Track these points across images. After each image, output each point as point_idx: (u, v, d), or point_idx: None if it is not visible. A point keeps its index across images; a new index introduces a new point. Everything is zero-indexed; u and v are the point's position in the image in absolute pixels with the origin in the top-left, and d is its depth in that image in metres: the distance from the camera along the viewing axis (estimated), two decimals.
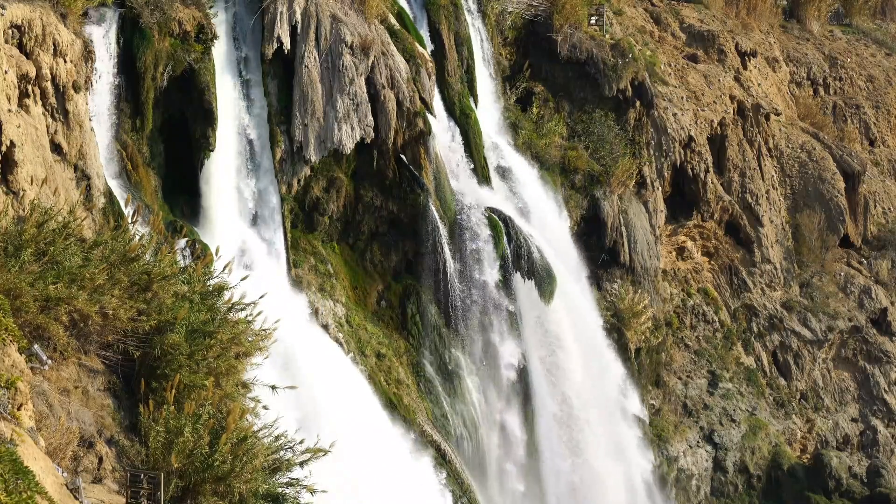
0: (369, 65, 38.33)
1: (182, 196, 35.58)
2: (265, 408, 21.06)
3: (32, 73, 28.49)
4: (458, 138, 43.25)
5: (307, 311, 37.13)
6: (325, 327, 37.51)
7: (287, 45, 37.12)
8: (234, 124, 36.68)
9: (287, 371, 30.46)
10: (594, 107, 49.34)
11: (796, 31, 66.45)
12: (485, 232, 40.75)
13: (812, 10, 66.88)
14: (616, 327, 47.09)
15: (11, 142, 26.30)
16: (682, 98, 53.53)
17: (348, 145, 37.87)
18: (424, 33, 43.24)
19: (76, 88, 30.15)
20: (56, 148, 29.43)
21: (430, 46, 42.92)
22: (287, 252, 37.51)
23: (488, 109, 46.30)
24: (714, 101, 54.79)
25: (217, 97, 35.21)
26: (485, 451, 40.82)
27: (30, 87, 28.55)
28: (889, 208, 61.89)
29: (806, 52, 64.88)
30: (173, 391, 18.38)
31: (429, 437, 37.68)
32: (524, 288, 41.65)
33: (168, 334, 19.41)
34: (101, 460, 17.83)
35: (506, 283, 41.01)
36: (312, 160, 37.70)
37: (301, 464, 19.41)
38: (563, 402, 43.08)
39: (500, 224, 41.20)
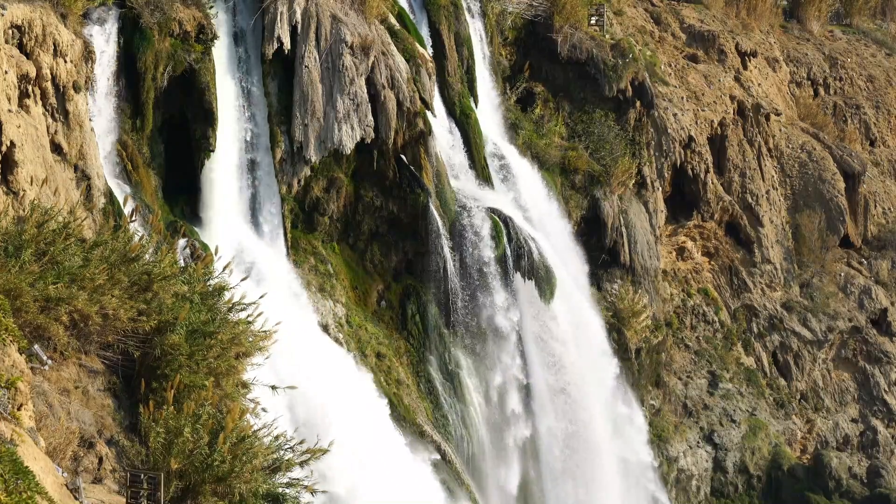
0: (369, 65, 38.33)
1: (182, 196, 35.60)
2: (264, 410, 21.05)
3: (32, 74, 28.50)
4: (459, 138, 43.26)
5: (307, 311, 37.11)
6: (325, 327, 37.50)
7: (287, 45, 37.12)
8: (235, 124, 36.69)
9: (287, 371, 30.44)
10: (594, 107, 49.35)
11: (796, 31, 66.42)
12: (485, 232, 40.75)
13: (812, 11, 66.84)
14: (616, 327, 47.09)
15: (12, 142, 26.31)
16: (683, 98, 53.53)
17: (348, 145, 37.87)
18: (424, 33, 43.24)
19: (76, 88, 30.16)
20: (56, 148, 29.45)
21: (430, 47, 42.93)
22: (287, 252, 37.52)
23: (488, 109, 46.31)
24: (714, 102, 54.80)
25: (217, 97, 35.22)
26: (485, 452, 40.81)
27: (30, 88, 28.56)
28: (889, 208, 61.88)
29: (806, 53, 64.87)
30: (173, 391, 18.35)
31: (429, 437, 37.68)
32: (524, 288, 41.65)
33: (168, 334, 19.38)
34: (101, 460, 17.82)
35: (506, 284, 41.01)
36: (312, 160, 37.71)
37: (301, 464, 19.40)
38: (564, 402, 43.06)
39: (500, 224, 41.21)
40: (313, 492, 19.35)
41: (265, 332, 21.27)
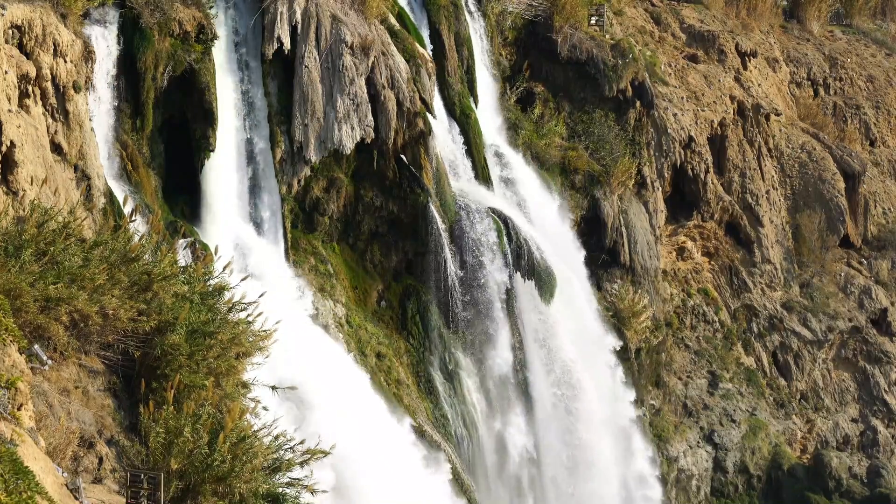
0: (369, 65, 38.33)
1: (182, 196, 35.59)
2: (265, 408, 21.07)
3: (33, 74, 28.49)
4: (459, 138, 43.25)
5: (307, 312, 37.10)
6: (325, 327, 37.50)
7: (287, 45, 37.12)
8: (235, 124, 36.68)
9: (286, 371, 30.43)
10: (594, 107, 49.36)
11: (796, 31, 66.42)
12: (485, 232, 40.74)
13: (812, 11, 66.84)
14: (616, 327, 47.09)
15: (12, 142, 26.31)
16: (682, 98, 53.53)
17: (348, 145, 37.88)
18: (424, 33, 43.25)
19: (76, 88, 30.16)
20: (56, 148, 29.44)
21: (430, 47, 42.93)
22: (287, 252, 37.52)
23: (488, 109, 46.31)
24: (714, 102, 54.79)
25: (217, 97, 35.21)
26: (485, 451, 40.81)
27: (30, 88, 28.55)
28: (889, 208, 61.88)
29: (806, 53, 64.87)
30: (173, 391, 18.36)
31: (429, 437, 37.67)
32: (524, 288, 41.64)
33: (168, 335, 19.38)
34: (101, 460, 17.82)
35: (506, 284, 40.99)
36: (312, 160, 37.71)
37: (301, 464, 19.41)
38: (563, 402, 43.07)
39: (500, 224, 41.20)
40: (313, 491, 19.36)
41: (265, 331, 21.28)
